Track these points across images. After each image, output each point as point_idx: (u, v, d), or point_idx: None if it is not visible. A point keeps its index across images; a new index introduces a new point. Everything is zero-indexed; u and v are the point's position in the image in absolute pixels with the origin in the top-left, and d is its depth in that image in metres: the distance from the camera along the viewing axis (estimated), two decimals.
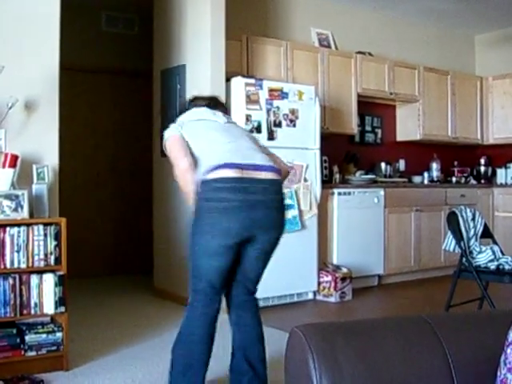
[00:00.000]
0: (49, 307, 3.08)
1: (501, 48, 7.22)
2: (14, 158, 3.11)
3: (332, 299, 4.97)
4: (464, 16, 6.71)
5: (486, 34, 7.40)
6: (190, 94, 4.83)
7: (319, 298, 5.07)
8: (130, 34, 6.36)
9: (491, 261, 3.88)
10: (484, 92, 7.13)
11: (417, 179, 6.54)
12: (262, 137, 4.52)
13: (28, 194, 3.10)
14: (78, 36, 5.83)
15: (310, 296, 5.06)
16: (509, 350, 1.38)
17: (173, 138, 2.60)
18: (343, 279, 5.02)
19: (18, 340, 3.04)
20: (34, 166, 3.21)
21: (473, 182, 6.92)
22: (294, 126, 4.85)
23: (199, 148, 2.55)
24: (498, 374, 1.41)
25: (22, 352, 3.04)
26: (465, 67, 7.40)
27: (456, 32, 7.32)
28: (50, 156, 3.35)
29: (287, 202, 4.41)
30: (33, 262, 3.06)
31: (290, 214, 4.76)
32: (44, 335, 3.09)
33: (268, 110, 4.70)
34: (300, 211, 4.88)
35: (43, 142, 3.34)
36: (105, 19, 6.25)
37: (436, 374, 1.47)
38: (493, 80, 7.08)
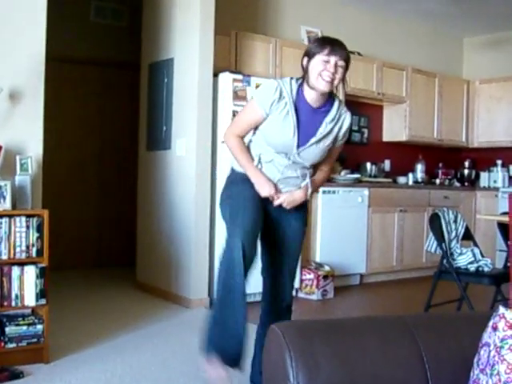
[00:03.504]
0: (30, 299, 3.07)
1: (489, 52, 7.29)
2: None
3: (314, 297, 5.00)
4: (454, 18, 6.75)
5: (475, 38, 7.47)
6: (177, 88, 4.84)
7: (301, 295, 5.09)
8: (118, 25, 6.32)
9: (471, 263, 3.93)
10: (470, 95, 7.19)
11: (401, 180, 6.59)
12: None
13: (11, 185, 3.08)
14: (66, 26, 5.78)
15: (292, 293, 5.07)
16: (482, 352, 1.41)
17: None
18: (325, 277, 5.05)
19: None
20: (18, 157, 3.18)
21: (456, 184, 6.99)
22: None
23: None
24: (471, 374, 1.44)
25: (2, 344, 3.02)
26: (452, 70, 7.45)
27: (445, 34, 7.37)
28: (33, 147, 3.32)
29: None
30: (14, 254, 3.04)
31: None
32: (24, 327, 3.07)
33: None
34: None
35: (27, 133, 3.32)
36: (94, 10, 6.19)
37: (411, 374, 1.49)
38: (479, 84, 7.15)
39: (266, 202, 2.57)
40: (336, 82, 2.47)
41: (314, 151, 2.55)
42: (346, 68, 2.48)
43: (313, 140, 2.52)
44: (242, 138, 2.64)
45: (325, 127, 2.53)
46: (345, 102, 6.34)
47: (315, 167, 2.67)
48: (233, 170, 2.70)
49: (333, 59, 2.43)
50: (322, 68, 2.43)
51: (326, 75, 2.42)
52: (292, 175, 2.58)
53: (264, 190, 2.53)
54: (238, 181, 2.61)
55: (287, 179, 2.58)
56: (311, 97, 2.50)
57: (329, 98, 2.55)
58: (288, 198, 2.57)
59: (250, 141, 2.65)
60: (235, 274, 2.39)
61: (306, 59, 2.50)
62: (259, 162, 2.57)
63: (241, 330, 2.38)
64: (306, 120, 2.51)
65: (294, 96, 2.49)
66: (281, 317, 2.60)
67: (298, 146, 2.52)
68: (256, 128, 2.60)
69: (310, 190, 2.61)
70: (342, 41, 2.53)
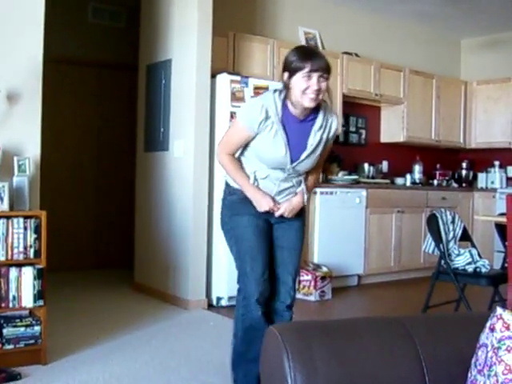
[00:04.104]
0: (27, 300, 3.07)
1: (486, 53, 7.30)
2: None
3: (311, 298, 5.00)
4: (451, 20, 6.76)
5: (472, 39, 7.48)
6: (174, 89, 4.84)
7: (299, 296, 5.07)
8: (116, 26, 6.32)
9: (469, 263, 3.93)
10: (468, 96, 7.20)
11: (399, 181, 6.60)
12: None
13: (8, 186, 3.08)
14: (64, 28, 5.78)
15: None
16: (480, 352, 1.41)
17: None
18: (323, 278, 5.05)
19: None
20: (15, 158, 3.17)
21: (454, 185, 7.00)
22: None
23: None
24: (469, 375, 1.44)
25: (0, 345, 3.02)
26: (450, 71, 7.46)
27: (443, 35, 7.38)
28: (31, 148, 3.32)
29: None
30: (12, 255, 3.03)
31: None
32: (22, 329, 3.07)
33: None
34: None
35: (25, 134, 3.31)
36: (91, 11, 6.19)
37: (409, 375, 1.49)
38: (477, 85, 7.16)
39: (266, 215, 2.61)
40: (321, 96, 2.46)
41: (308, 162, 2.57)
42: (328, 78, 2.47)
43: (305, 154, 2.53)
44: (234, 154, 2.64)
45: (313, 137, 2.53)
46: (342, 104, 6.34)
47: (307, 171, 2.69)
48: (227, 185, 2.71)
49: (315, 75, 2.40)
50: (305, 86, 2.40)
51: (311, 92, 2.40)
52: (288, 186, 2.61)
53: (262, 207, 2.57)
54: (237, 205, 2.63)
55: (284, 190, 2.61)
56: (296, 111, 2.50)
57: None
58: (287, 207, 2.60)
59: (242, 155, 2.64)
60: (256, 329, 2.56)
61: (286, 75, 2.46)
62: (255, 179, 2.58)
63: None
64: (295, 134, 2.52)
65: (279, 113, 2.47)
66: (282, 317, 2.67)
67: (292, 161, 2.53)
68: (247, 144, 2.59)
69: (306, 196, 2.64)
70: (319, 50, 2.56)
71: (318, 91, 2.41)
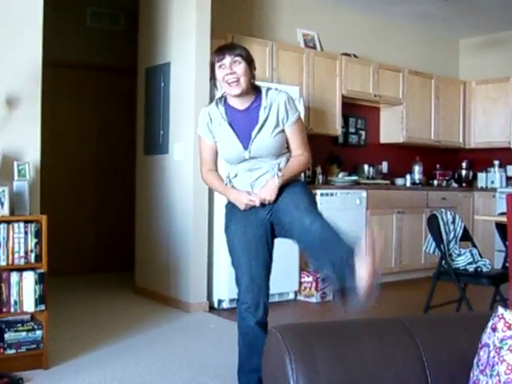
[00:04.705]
0: (29, 305, 3.06)
1: (485, 53, 7.31)
2: None
3: (313, 299, 5.00)
4: (449, 20, 6.77)
5: (471, 39, 7.49)
6: (174, 92, 4.84)
7: (300, 298, 5.09)
8: (115, 30, 6.32)
9: (470, 263, 3.93)
10: (467, 96, 7.21)
11: (399, 181, 6.60)
12: None
13: (9, 190, 3.08)
14: (63, 31, 5.79)
15: (292, 296, 5.08)
16: (482, 352, 1.41)
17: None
18: (324, 280, 5.05)
19: None
20: (15, 163, 3.18)
21: (454, 185, 7.00)
22: None
23: None
24: (471, 375, 1.44)
25: (2, 350, 3.01)
26: (449, 71, 7.47)
27: (441, 36, 7.39)
28: (31, 153, 3.32)
29: None
30: (13, 260, 3.03)
31: None
32: (24, 333, 3.07)
33: None
34: None
35: (25, 139, 3.31)
36: (90, 15, 6.21)
37: (411, 376, 1.49)
38: (476, 85, 7.17)
39: (255, 213, 2.59)
40: (243, 79, 2.50)
41: (262, 140, 2.54)
42: (248, 60, 2.53)
43: (254, 132, 2.54)
44: (216, 169, 2.72)
45: (259, 118, 2.55)
46: (342, 105, 6.32)
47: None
48: None
49: (226, 61, 2.50)
50: (222, 74, 2.51)
51: (228, 78, 2.49)
52: (261, 173, 2.59)
53: (240, 204, 2.59)
54: (228, 215, 2.70)
55: (259, 179, 2.60)
56: (235, 102, 2.58)
57: (256, 92, 2.59)
58: (262, 191, 2.56)
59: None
60: (251, 336, 2.60)
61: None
62: (229, 180, 2.65)
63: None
64: (242, 123, 2.58)
65: (222, 111, 2.58)
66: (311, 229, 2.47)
67: (245, 145, 2.55)
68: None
69: (279, 173, 2.55)
70: (233, 43, 2.63)
71: (233, 75, 2.49)
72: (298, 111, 2.64)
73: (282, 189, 2.57)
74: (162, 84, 4.94)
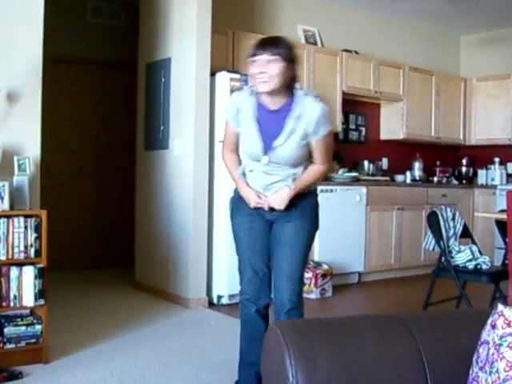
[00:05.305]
0: (28, 300, 3.07)
1: (486, 50, 7.30)
2: None
3: (312, 296, 5.00)
4: (450, 17, 6.76)
5: (472, 36, 7.47)
6: (174, 87, 4.84)
7: None
8: (116, 25, 6.31)
9: (469, 260, 3.93)
10: (468, 93, 7.20)
11: (399, 178, 6.60)
12: None
13: (9, 185, 3.08)
14: (63, 27, 5.77)
15: None
16: (481, 349, 1.41)
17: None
18: (324, 276, 5.05)
19: None
20: (16, 158, 3.18)
21: (454, 182, 7.00)
22: None
23: None
24: (471, 372, 1.44)
25: (1, 344, 3.02)
26: (449, 68, 7.46)
27: (442, 32, 7.37)
28: (31, 148, 3.32)
29: None
30: (12, 254, 3.03)
31: None
32: (23, 328, 3.07)
33: None
34: None
35: (25, 134, 3.31)
36: (90, 10, 6.19)
37: (410, 372, 1.49)
38: (477, 81, 7.16)
39: (262, 212, 2.61)
40: (276, 80, 2.38)
41: (284, 151, 2.47)
42: (288, 60, 2.41)
43: (277, 142, 2.47)
44: (237, 151, 2.68)
45: (287, 126, 2.46)
46: (342, 101, 6.32)
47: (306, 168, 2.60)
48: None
49: (262, 57, 2.38)
50: (254, 71, 2.41)
51: (258, 76, 2.40)
52: (276, 180, 2.54)
53: (251, 202, 2.59)
54: (235, 204, 2.70)
55: (273, 184, 2.56)
56: (265, 99, 2.49)
57: (291, 94, 2.48)
58: (272, 199, 2.54)
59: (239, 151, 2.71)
60: (252, 325, 2.65)
61: None
62: (243, 172, 2.61)
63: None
64: (269, 124, 2.49)
65: (252, 104, 2.51)
66: (279, 317, 2.59)
67: (266, 150, 2.49)
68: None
69: (292, 185, 2.52)
70: (278, 38, 2.52)
71: (265, 74, 2.38)
72: (331, 125, 2.54)
73: (294, 199, 2.55)
74: (163, 79, 4.93)
